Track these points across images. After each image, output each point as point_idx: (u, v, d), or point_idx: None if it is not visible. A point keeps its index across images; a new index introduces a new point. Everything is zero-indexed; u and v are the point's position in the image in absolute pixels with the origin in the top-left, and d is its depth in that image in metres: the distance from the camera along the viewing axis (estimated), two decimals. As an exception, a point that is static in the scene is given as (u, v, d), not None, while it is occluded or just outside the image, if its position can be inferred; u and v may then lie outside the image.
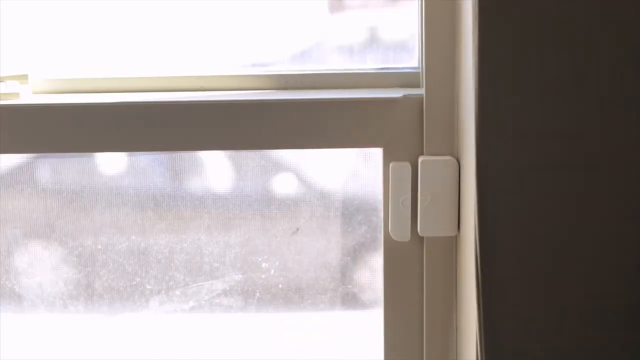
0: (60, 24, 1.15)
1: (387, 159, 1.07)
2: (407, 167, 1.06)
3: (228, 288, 1.19)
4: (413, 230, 1.07)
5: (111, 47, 1.16)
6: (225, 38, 1.16)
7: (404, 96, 1.05)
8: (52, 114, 1.05)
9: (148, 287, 1.19)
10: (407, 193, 1.06)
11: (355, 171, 1.16)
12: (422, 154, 1.06)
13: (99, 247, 1.18)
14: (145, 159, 1.17)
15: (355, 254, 1.19)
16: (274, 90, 1.10)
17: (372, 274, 1.19)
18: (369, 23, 1.18)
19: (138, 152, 1.15)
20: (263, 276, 1.19)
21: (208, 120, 1.05)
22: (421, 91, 1.06)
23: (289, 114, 1.05)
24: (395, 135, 1.06)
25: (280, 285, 1.19)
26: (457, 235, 1.06)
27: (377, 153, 1.08)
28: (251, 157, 1.15)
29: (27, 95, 1.09)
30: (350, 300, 1.20)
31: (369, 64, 1.14)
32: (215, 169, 1.18)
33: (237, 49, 1.16)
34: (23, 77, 1.09)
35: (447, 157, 1.05)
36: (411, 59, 1.11)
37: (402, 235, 1.07)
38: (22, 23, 1.14)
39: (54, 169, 1.16)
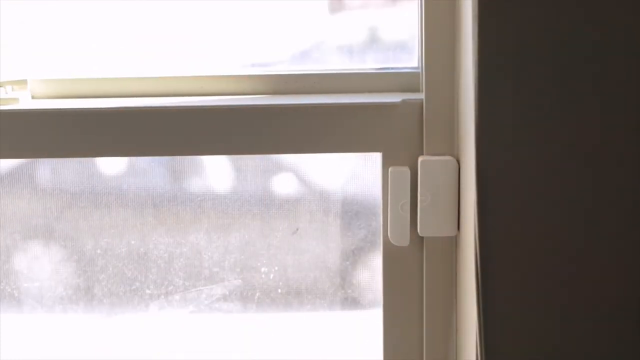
0: (58, 27, 1.15)
1: (386, 163, 1.06)
2: (406, 172, 1.06)
3: (227, 292, 1.19)
4: (413, 232, 1.07)
5: (110, 49, 1.16)
6: (225, 38, 1.16)
7: (403, 101, 1.05)
8: (51, 119, 1.05)
9: (147, 292, 1.19)
10: (407, 198, 1.06)
11: (355, 173, 1.16)
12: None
13: (98, 251, 1.18)
14: (145, 161, 1.17)
15: (354, 255, 1.19)
16: (273, 95, 1.10)
17: (371, 273, 1.19)
18: (369, 23, 1.17)
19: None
20: (263, 276, 1.19)
21: (208, 125, 1.05)
22: (420, 95, 1.06)
23: (288, 119, 1.05)
24: (395, 140, 1.06)
25: (279, 291, 1.19)
26: (457, 235, 1.06)
27: (376, 157, 1.08)
28: (251, 158, 1.16)
29: (27, 101, 1.09)
30: (350, 300, 1.20)
31: (368, 64, 1.14)
32: (215, 170, 1.18)
33: (237, 49, 1.16)
34: (22, 83, 1.09)
35: (447, 157, 1.05)
36: (411, 59, 1.11)
37: (401, 240, 1.07)
38: (21, 28, 1.14)
39: (53, 170, 1.16)
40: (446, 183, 1.05)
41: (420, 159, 1.05)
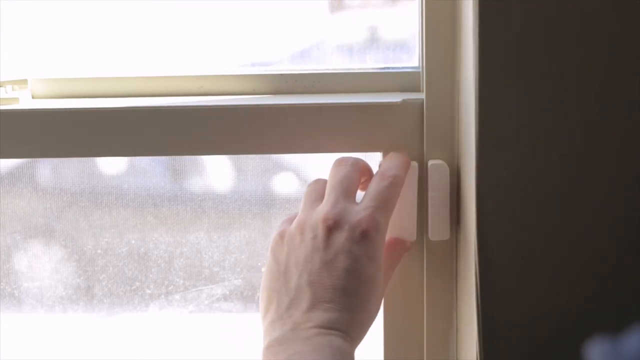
0: (58, 27, 1.15)
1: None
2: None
3: (227, 292, 1.19)
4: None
5: (111, 48, 1.15)
6: (225, 37, 1.16)
7: (403, 101, 1.05)
8: (51, 119, 1.05)
9: (147, 292, 1.19)
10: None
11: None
12: (421, 158, 1.05)
13: (99, 251, 1.18)
14: (145, 160, 1.17)
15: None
16: (273, 95, 1.10)
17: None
18: (369, 23, 1.17)
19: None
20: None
21: (208, 125, 1.05)
22: (421, 95, 1.05)
23: (289, 118, 1.05)
24: (395, 140, 1.05)
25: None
26: (458, 236, 1.06)
27: (376, 157, 1.08)
28: (251, 158, 1.16)
29: (27, 100, 1.09)
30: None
31: (369, 63, 1.14)
32: (215, 169, 1.18)
33: (236, 48, 1.16)
34: (22, 82, 1.09)
35: (438, 161, 1.04)
36: (411, 59, 1.10)
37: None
38: (21, 28, 1.14)
39: (53, 170, 1.16)
40: (439, 187, 1.04)
41: (430, 162, 1.04)
